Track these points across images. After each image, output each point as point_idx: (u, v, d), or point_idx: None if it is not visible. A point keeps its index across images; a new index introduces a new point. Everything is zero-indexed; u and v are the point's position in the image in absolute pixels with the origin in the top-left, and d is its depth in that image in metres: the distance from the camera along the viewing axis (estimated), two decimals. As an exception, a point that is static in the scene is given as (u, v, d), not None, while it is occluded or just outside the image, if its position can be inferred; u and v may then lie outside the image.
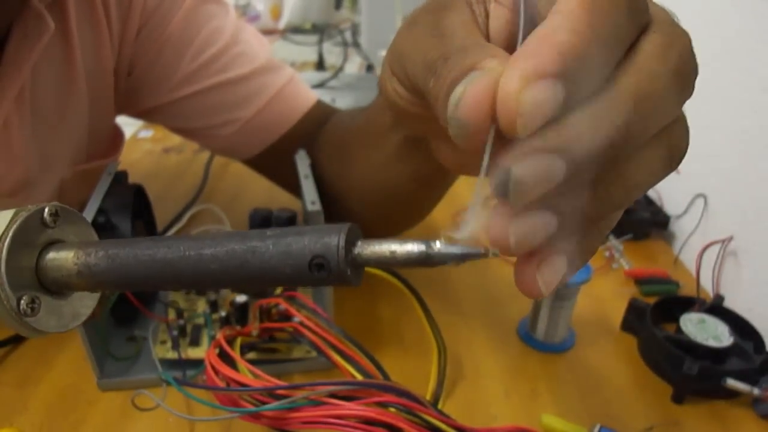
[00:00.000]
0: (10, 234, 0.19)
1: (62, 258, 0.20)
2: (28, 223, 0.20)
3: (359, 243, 0.17)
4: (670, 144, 0.18)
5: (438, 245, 0.17)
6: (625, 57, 0.17)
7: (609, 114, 0.16)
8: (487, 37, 0.21)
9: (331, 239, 0.17)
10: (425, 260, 0.17)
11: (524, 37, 0.16)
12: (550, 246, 0.18)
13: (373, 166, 0.39)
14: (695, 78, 0.18)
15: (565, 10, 0.16)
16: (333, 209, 0.42)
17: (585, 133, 0.16)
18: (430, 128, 0.27)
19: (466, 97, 0.16)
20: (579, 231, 0.18)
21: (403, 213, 0.44)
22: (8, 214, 0.20)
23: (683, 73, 0.17)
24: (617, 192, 0.18)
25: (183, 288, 0.19)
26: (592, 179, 0.17)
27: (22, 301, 0.20)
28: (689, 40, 0.17)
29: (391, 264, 0.17)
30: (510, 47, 0.18)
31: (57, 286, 0.21)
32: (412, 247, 0.17)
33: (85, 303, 0.23)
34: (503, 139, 0.16)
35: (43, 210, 0.21)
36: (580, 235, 0.19)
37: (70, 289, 0.22)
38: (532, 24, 0.17)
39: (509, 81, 0.15)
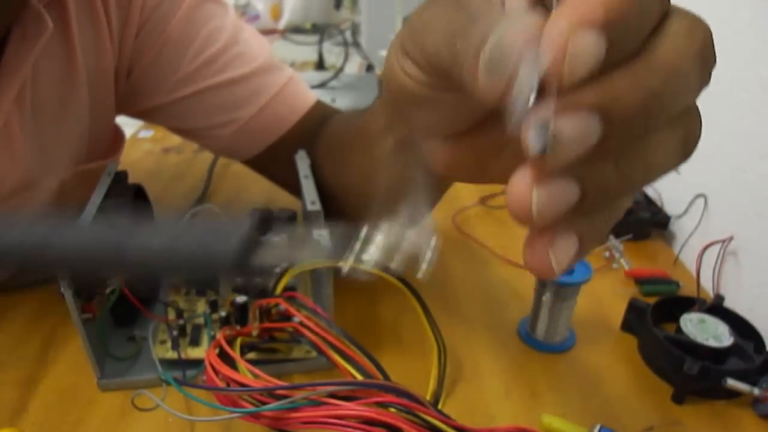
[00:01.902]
0: None
1: None
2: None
3: (260, 242, 0.17)
4: (687, 129, 0.18)
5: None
6: (655, 32, 0.17)
7: (647, 78, 0.16)
8: None
9: (227, 238, 0.17)
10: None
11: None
12: (567, 222, 0.18)
13: (368, 169, 0.39)
14: (714, 65, 0.18)
15: None
16: (332, 209, 0.42)
17: (624, 94, 0.16)
18: (431, 120, 0.26)
19: (506, 34, 0.16)
20: (594, 210, 0.18)
21: None
22: None
23: (706, 56, 0.17)
24: (636, 170, 0.18)
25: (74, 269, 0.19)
26: (618, 152, 0.17)
27: None
28: (710, 30, 0.18)
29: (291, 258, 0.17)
30: None
31: None
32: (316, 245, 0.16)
33: None
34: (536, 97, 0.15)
35: None
36: (593, 217, 0.19)
37: None
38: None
39: (559, 22, 0.15)
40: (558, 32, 0.15)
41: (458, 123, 0.23)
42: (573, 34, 0.15)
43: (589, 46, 0.15)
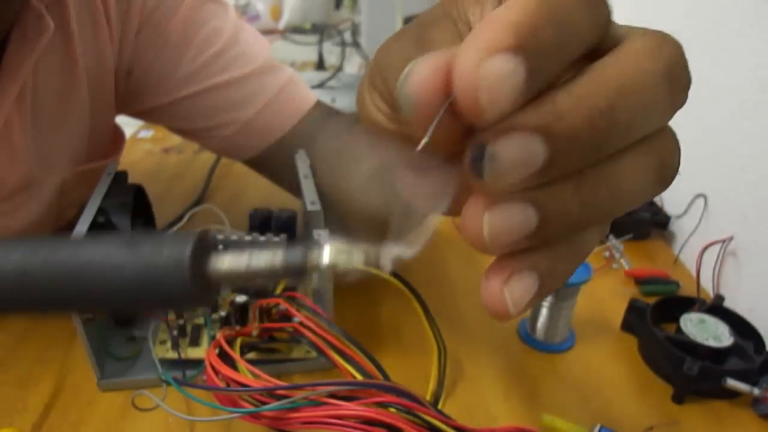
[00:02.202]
0: None
1: None
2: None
3: (211, 256, 0.15)
4: (660, 156, 0.17)
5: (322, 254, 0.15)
6: (610, 53, 0.16)
7: (593, 95, 0.15)
8: None
9: (174, 250, 0.14)
10: (294, 272, 0.15)
11: None
12: (522, 259, 0.17)
13: (361, 179, 0.39)
14: (688, 86, 0.17)
15: None
16: (332, 209, 0.42)
17: (567, 113, 0.15)
18: (400, 152, 0.26)
19: (412, 72, 0.15)
20: (555, 244, 0.17)
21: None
22: None
23: (674, 75, 0.16)
24: (601, 197, 0.17)
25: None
26: (577, 176, 0.16)
27: None
28: (681, 48, 0.17)
29: (248, 278, 0.15)
30: None
31: None
32: (271, 258, 0.14)
33: None
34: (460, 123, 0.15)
35: None
36: (555, 252, 0.18)
37: None
38: None
39: (466, 54, 0.14)
40: (466, 63, 0.14)
41: (427, 156, 0.23)
42: (483, 61, 0.14)
43: (504, 71, 0.14)
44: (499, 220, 0.16)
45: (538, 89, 0.15)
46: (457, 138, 0.16)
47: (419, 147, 0.16)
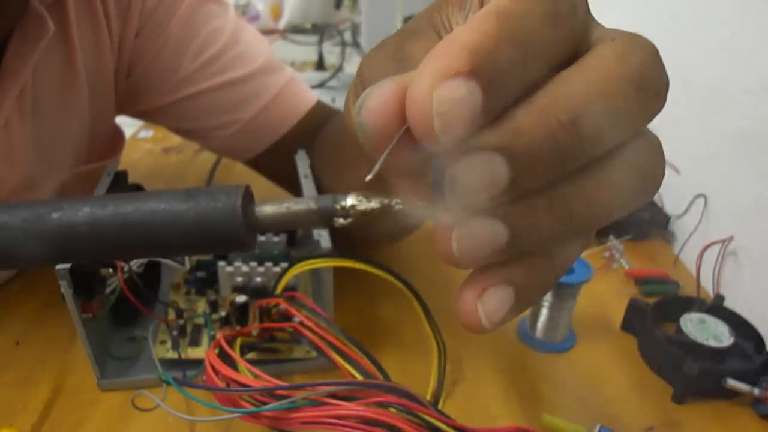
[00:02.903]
0: None
1: None
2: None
3: (255, 205, 0.17)
4: (639, 164, 0.17)
5: (348, 201, 0.16)
6: (578, 61, 0.16)
7: (552, 109, 0.15)
8: None
9: (228, 200, 0.16)
10: (326, 215, 0.16)
11: None
12: (496, 273, 0.17)
13: (356, 181, 0.39)
14: (665, 90, 0.16)
15: (473, 18, 0.15)
16: None
17: (527, 130, 0.15)
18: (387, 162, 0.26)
19: (368, 100, 0.15)
20: (532, 257, 0.17)
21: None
22: None
23: (646, 80, 0.16)
24: (578, 210, 0.16)
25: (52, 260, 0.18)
26: (549, 191, 0.16)
27: None
28: (655, 50, 0.16)
29: (290, 222, 0.16)
30: None
31: None
32: (310, 204, 0.16)
33: None
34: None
35: None
36: (532, 265, 0.17)
37: None
38: None
39: (419, 80, 0.14)
40: (419, 90, 0.14)
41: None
42: (437, 87, 0.14)
43: (458, 96, 0.14)
44: (468, 238, 0.16)
45: (501, 108, 0.15)
46: (422, 158, 0.16)
47: (368, 176, 0.16)
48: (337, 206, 0.16)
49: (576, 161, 0.16)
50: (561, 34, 0.16)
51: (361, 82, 0.22)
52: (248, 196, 0.17)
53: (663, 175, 0.18)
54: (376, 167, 0.16)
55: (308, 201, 0.17)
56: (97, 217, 0.16)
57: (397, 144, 0.15)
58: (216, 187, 0.17)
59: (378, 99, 0.15)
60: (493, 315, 0.17)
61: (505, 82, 0.14)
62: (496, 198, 0.15)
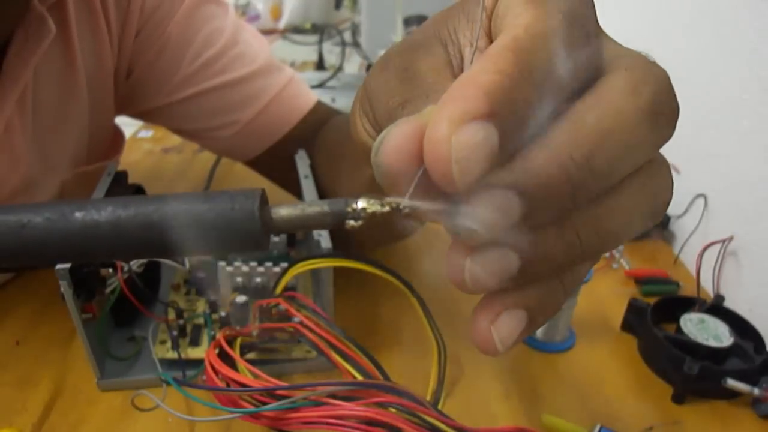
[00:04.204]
0: None
1: None
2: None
3: (270, 208, 0.18)
4: (649, 192, 0.17)
5: (358, 203, 0.17)
6: (589, 93, 0.16)
7: (565, 146, 0.15)
8: None
9: (246, 203, 0.17)
10: (339, 217, 0.17)
11: None
12: (509, 297, 0.17)
13: (357, 184, 0.39)
14: (675, 118, 0.16)
15: (490, 53, 0.15)
16: None
17: (541, 169, 0.15)
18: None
19: (386, 141, 0.15)
20: (542, 281, 0.17)
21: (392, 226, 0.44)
22: None
23: (658, 111, 0.16)
24: (588, 237, 0.16)
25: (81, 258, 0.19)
26: (560, 221, 0.16)
27: None
28: (667, 79, 0.16)
29: (304, 224, 0.17)
30: None
31: None
32: (323, 206, 0.17)
33: None
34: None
35: None
36: (543, 288, 0.17)
37: None
38: None
39: (437, 126, 0.14)
40: (437, 136, 0.14)
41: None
42: (455, 133, 0.14)
43: (476, 142, 0.14)
44: (480, 266, 0.16)
45: (515, 145, 0.15)
46: (437, 194, 0.16)
47: (402, 213, 0.16)
48: (349, 209, 0.17)
49: (588, 194, 0.16)
50: (577, 66, 0.16)
51: (367, 97, 0.22)
52: (264, 199, 0.18)
53: (671, 196, 0.18)
54: (405, 204, 0.16)
55: (322, 203, 0.17)
56: (120, 217, 0.17)
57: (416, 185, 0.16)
58: (233, 190, 0.18)
59: (396, 141, 0.15)
60: (506, 339, 0.17)
61: (521, 122, 0.15)
62: (507, 230, 0.15)
